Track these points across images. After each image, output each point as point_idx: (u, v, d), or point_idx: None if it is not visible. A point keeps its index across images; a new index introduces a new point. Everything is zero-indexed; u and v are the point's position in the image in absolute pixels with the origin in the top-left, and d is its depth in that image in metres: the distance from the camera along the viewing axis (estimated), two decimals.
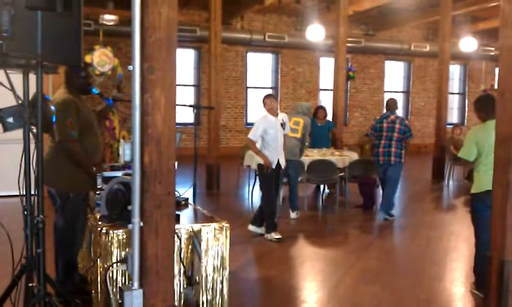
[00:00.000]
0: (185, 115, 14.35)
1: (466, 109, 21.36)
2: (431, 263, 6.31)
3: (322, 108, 11.12)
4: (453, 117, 21.15)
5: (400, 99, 20.59)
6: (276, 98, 7.85)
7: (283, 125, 7.40)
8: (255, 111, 18.21)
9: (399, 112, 20.08)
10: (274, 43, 17.13)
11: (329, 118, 11.53)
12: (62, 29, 3.41)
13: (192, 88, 17.18)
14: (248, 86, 17.92)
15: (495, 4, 12.23)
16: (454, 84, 21.19)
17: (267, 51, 18.02)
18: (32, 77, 3.49)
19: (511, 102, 4.18)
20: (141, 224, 3.19)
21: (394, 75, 20.44)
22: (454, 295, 5.34)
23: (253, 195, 10.02)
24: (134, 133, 3.15)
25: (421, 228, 8.21)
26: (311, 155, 9.33)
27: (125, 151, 3.22)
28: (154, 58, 3.16)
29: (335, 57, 11.94)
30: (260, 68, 18.26)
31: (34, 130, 3.54)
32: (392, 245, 7.40)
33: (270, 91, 18.29)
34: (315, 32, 13.24)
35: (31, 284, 3.55)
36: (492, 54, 19.09)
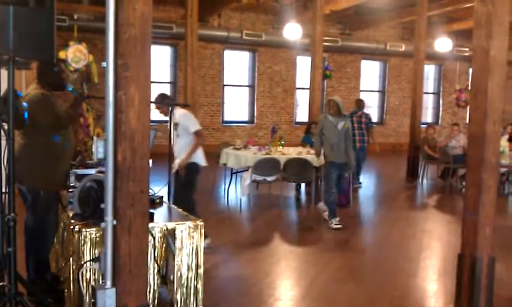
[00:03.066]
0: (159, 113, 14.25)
1: (441, 108, 21.61)
2: (405, 260, 6.37)
3: (316, 123, 11.10)
4: (427, 116, 21.39)
5: (375, 98, 20.77)
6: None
7: (176, 125, 6.56)
8: (232, 109, 18.22)
9: (374, 110, 20.40)
10: (251, 41, 17.12)
11: (306, 117, 11.56)
12: (34, 25, 3.37)
13: (169, 85, 17.08)
14: (224, 83, 17.88)
15: (469, 5, 12.37)
16: (429, 84, 21.42)
17: (244, 49, 17.99)
18: (3, 73, 3.43)
19: (483, 101, 4.25)
20: (114, 222, 3.16)
21: (370, 74, 20.59)
22: (427, 292, 5.40)
23: (229, 194, 10.00)
24: (108, 131, 3.12)
25: (395, 225, 8.28)
26: (287, 154, 9.36)
27: (98, 149, 3.18)
28: (128, 55, 3.13)
29: (312, 56, 11.99)
30: (237, 66, 18.24)
31: (6, 127, 3.49)
32: (366, 243, 7.46)
33: (247, 89, 18.31)
34: (292, 31, 13.27)
35: (1, 283, 3.50)
36: (466, 54, 19.33)
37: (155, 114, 12.21)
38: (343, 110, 7.79)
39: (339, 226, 7.71)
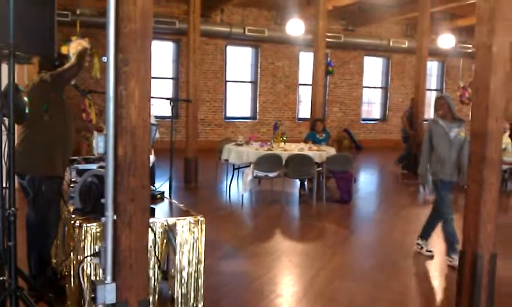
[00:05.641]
0: (162, 108, 14.26)
1: None
2: (407, 257, 6.36)
3: (320, 120, 11.14)
4: (430, 113, 21.33)
5: (378, 95, 20.73)
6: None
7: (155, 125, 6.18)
8: (234, 105, 18.21)
9: (377, 107, 20.38)
10: (254, 37, 17.08)
11: (308, 113, 11.54)
12: (35, 19, 3.37)
13: (171, 81, 17.07)
14: (227, 79, 17.86)
15: (472, 1, 12.34)
16: (432, 81, 21.37)
17: (247, 45, 17.96)
18: (4, 67, 3.43)
19: (485, 98, 4.23)
20: (115, 217, 3.15)
21: (373, 70, 20.54)
22: (428, 289, 5.39)
23: (231, 189, 10.00)
24: (108, 126, 3.11)
25: (397, 222, 8.27)
26: (289, 150, 9.35)
27: (98, 144, 3.18)
28: (128, 50, 3.11)
29: (314, 52, 11.94)
30: (239, 62, 18.21)
31: (7, 122, 3.49)
32: (368, 240, 7.44)
33: (249, 85, 18.29)
34: (295, 27, 13.24)
35: (1, 278, 3.50)
36: (470, 51, 19.27)
37: (157, 110, 12.22)
38: (455, 111, 6.18)
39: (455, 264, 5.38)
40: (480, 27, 4.26)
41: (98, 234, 3.73)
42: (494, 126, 4.23)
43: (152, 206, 4.04)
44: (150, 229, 3.61)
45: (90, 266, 3.70)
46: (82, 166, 4.71)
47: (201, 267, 4.17)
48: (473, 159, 4.39)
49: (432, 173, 6.15)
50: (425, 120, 14.31)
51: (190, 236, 4.10)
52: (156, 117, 8.33)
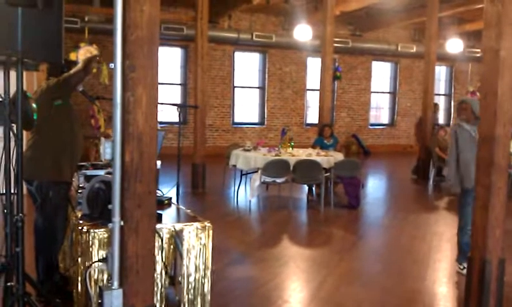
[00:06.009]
0: (171, 114, 14.31)
1: (452, 110, 21.48)
2: (415, 263, 6.33)
3: (328, 126, 11.14)
4: (439, 118, 21.26)
5: (386, 100, 20.69)
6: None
7: None
8: (242, 110, 18.23)
9: (385, 112, 20.34)
10: (262, 42, 17.11)
11: (316, 119, 11.52)
12: (43, 26, 3.39)
13: (179, 87, 17.12)
14: (235, 85, 17.89)
15: (480, 6, 12.25)
16: (440, 85, 21.31)
17: (255, 50, 17.99)
18: (13, 74, 3.46)
19: (493, 103, 4.22)
20: (122, 223, 3.17)
21: (381, 75, 20.51)
22: (436, 295, 5.36)
23: (238, 195, 10.00)
24: (115, 132, 3.13)
25: (405, 227, 8.24)
26: (297, 155, 9.34)
27: (105, 150, 3.21)
28: (135, 56, 3.14)
29: (322, 57, 11.94)
30: (247, 68, 18.24)
31: (15, 128, 3.51)
32: (376, 245, 7.42)
33: (257, 91, 18.31)
34: (303, 32, 13.25)
35: (9, 283, 3.51)
36: (478, 55, 19.19)
37: (164, 116, 12.23)
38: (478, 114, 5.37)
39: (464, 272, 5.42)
40: (488, 31, 4.26)
41: (105, 240, 3.74)
42: (502, 131, 4.23)
43: (159, 211, 4.05)
44: (157, 234, 3.62)
45: (97, 272, 3.71)
46: (90, 172, 4.74)
47: (208, 272, 4.17)
48: (481, 164, 4.38)
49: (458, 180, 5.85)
50: (437, 125, 14.29)
51: (197, 242, 4.11)
52: (160, 123, 8.35)
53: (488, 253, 4.30)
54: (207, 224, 4.17)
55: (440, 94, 21.04)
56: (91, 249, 3.74)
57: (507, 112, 4.24)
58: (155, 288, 3.82)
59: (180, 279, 4.23)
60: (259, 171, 8.78)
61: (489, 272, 4.31)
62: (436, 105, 13.78)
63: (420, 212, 9.77)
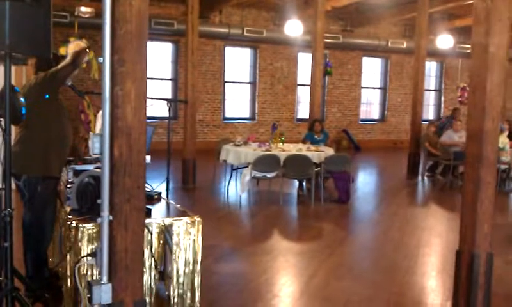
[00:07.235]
0: (161, 109, 14.24)
1: (442, 105, 21.58)
2: (403, 257, 6.37)
3: (319, 121, 11.15)
4: (429, 114, 21.37)
5: (377, 95, 20.75)
6: None
7: None
8: (233, 106, 18.21)
9: (376, 107, 20.40)
10: (253, 37, 17.09)
11: (307, 114, 11.52)
12: (31, 20, 3.38)
13: (170, 82, 17.07)
14: (225, 80, 17.86)
15: (471, 1, 12.33)
16: (431, 81, 21.39)
17: (245, 46, 17.97)
18: (1, 69, 3.44)
19: (482, 98, 4.24)
20: (110, 218, 3.16)
21: (371, 71, 20.56)
22: (425, 288, 5.39)
23: (229, 190, 10.00)
24: (104, 126, 3.12)
25: (394, 222, 8.28)
26: (287, 150, 9.36)
27: (94, 144, 3.17)
28: (124, 50, 3.12)
29: (313, 52, 11.95)
30: (238, 63, 18.22)
31: (3, 123, 3.49)
32: (365, 240, 7.44)
33: (248, 86, 18.30)
34: (294, 28, 13.25)
35: None
36: (468, 51, 19.19)
37: (154, 111, 12.20)
38: None
39: None
40: (477, 27, 4.27)
41: (94, 235, 3.73)
42: (490, 126, 4.24)
43: (149, 206, 4.05)
44: (146, 229, 3.61)
45: (86, 266, 3.70)
46: (79, 167, 4.71)
47: (198, 267, 4.17)
48: (469, 159, 4.40)
49: None
50: (425, 120, 14.34)
51: (187, 236, 4.10)
52: (150, 118, 8.32)
53: (476, 247, 4.32)
54: (197, 218, 4.16)
55: (430, 90, 21.12)
56: (80, 244, 3.73)
57: (496, 107, 4.26)
58: (145, 283, 3.81)
59: (169, 273, 4.23)
60: (249, 166, 8.79)
61: (478, 266, 4.33)
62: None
63: (409, 206, 9.83)
